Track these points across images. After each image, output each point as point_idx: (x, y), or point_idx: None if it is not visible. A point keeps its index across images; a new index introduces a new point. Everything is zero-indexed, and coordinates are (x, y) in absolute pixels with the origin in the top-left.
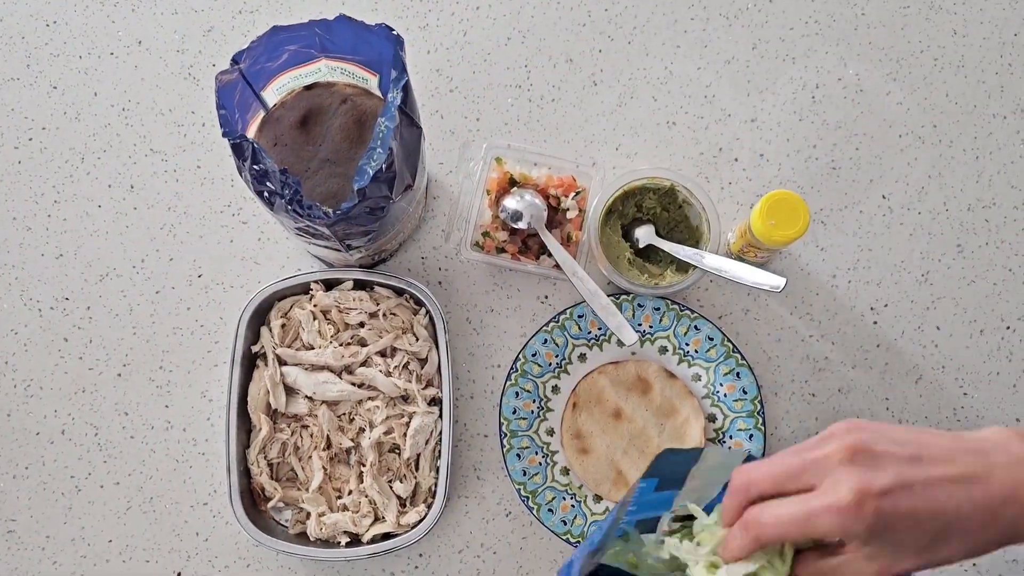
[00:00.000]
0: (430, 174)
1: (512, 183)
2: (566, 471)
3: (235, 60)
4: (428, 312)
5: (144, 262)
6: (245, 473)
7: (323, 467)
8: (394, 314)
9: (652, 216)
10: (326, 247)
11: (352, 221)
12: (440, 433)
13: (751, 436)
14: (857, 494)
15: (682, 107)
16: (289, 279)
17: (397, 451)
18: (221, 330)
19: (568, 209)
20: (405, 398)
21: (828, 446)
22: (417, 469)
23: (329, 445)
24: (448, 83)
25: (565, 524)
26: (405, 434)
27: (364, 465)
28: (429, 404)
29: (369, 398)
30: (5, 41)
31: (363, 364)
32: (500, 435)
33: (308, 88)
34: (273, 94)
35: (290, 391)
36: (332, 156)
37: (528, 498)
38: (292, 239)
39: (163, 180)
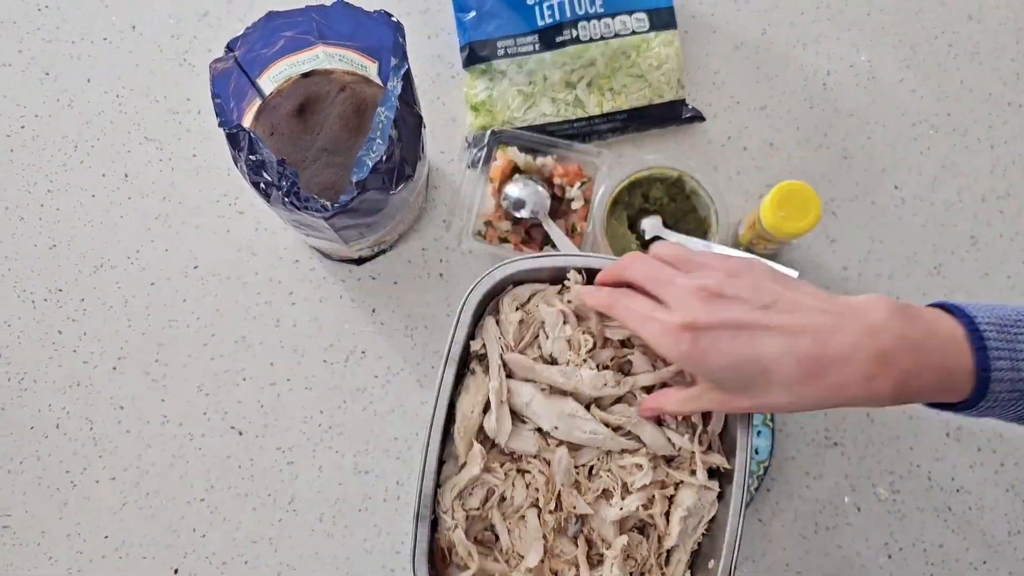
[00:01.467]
0: (431, 163)
1: (516, 171)
2: None
3: (230, 47)
4: None
5: (139, 253)
6: (431, 524)
7: (544, 536)
8: None
9: (659, 207)
10: (325, 238)
11: (351, 214)
12: (712, 519)
13: (759, 432)
14: (683, 323)
15: (690, 94)
16: (539, 257)
17: (646, 533)
18: (218, 322)
19: (573, 199)
20: (669, 460)
21: (698, 278)
22: (667, 564)
23: (558, 507)
24: (449, 69)
25: None
26: (667, 512)
27: (597, 544)
28: (709, 476)
29: (624, 450)
30: None
31: (620, 400)
32: None
33: (305, 76)
34: (269, 82)
35: (515, 417)
36: (330, 146)
37: None
38: (290, 230)
39: (158, 169)
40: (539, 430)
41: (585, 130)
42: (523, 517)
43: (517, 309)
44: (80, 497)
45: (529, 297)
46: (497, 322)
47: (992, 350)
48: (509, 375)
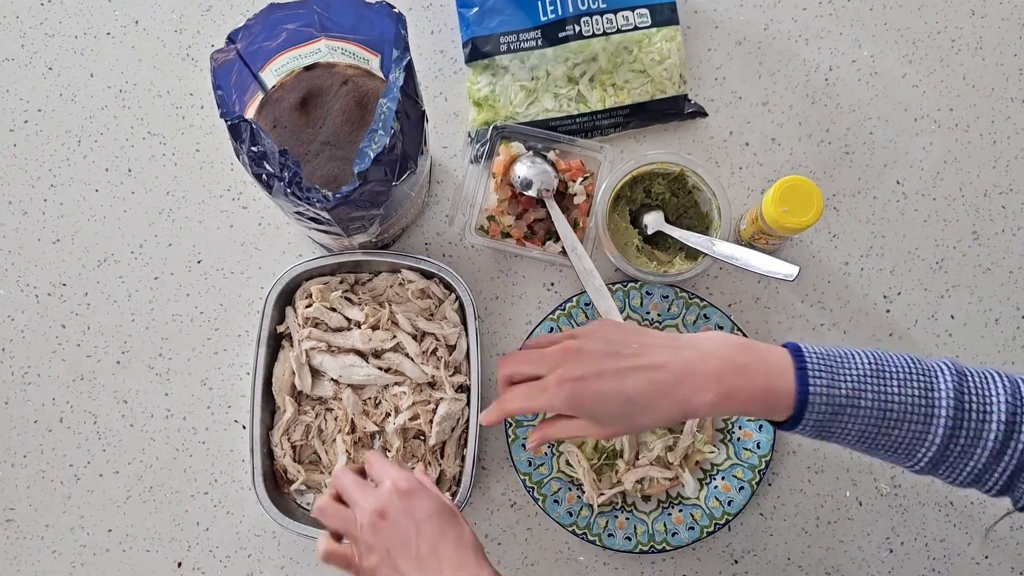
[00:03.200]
0: (433, 158)
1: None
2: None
3: (231, 39)
4: (458, 298)
5: (142, 247)
6: (268, 455)
7: (347, 451)
8: (427, 297)
9: (661, 202)
10: (326, 231)
11: (353, 205)
12: (467, 421)
13: (760, 427)
14: (558, 380)
15: (692, 89)
16: (317, 260)
17: (422, 438)
18: (221, 317)
19: (576, 194)
20: (432, 384)
21: (556, 347)
22: (443, 457)
23: (353, 429)
24: (452, 65)
25: (571, 515)
26: (431, 421)
27: (389, 450)
28: (456, 391)
29: (396, 383)
30: None
31: (392, 349)
32: (505, 425)
33: (308, 69)
34: (272, 75)
35: (315, 373)
36: (332, 139)
37: (533, 489)
38: (293, 224)
39: (161, 164)
40: (334, 380)
41: (587, 125)
42: (334, 441)
43: (306, 298)
44: (84, 491)
45: (318, 287)
46: (295, 309)
47: (812, 374)
48: (312, 347)
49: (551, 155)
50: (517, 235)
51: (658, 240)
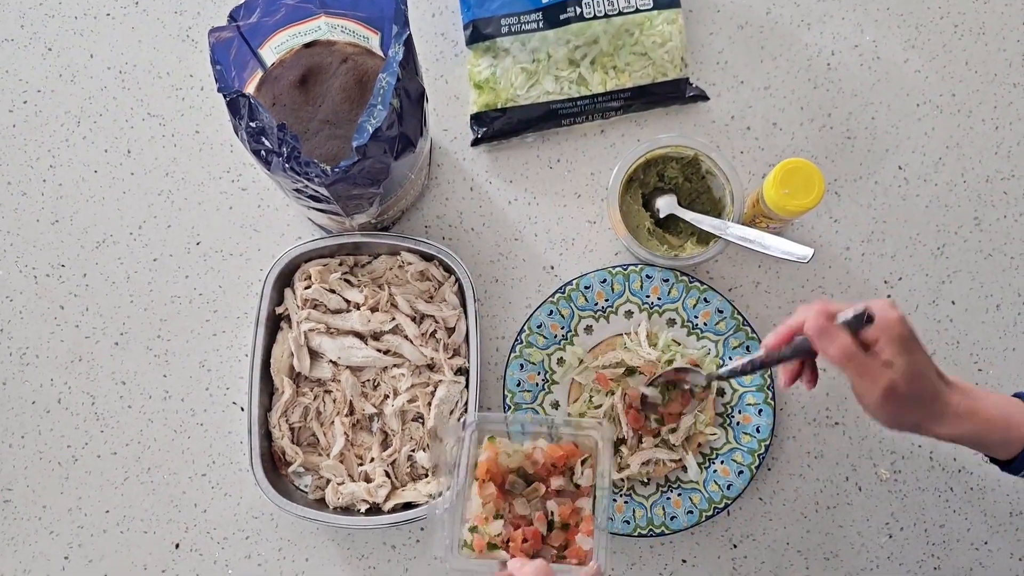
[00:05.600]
0: (434, 140)
1: (507, 468)
2: None
3: (232, 16)
4: (457, 280)
5: (141, 229)
6: (266, 436)
7: (345, 433)
8: (427, 279)
9: (674, 186)
10: (326, 211)
11: (351, 181)
12: (465, 404)
13: (760, 411)
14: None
15: (694, 73)
16: (316, 241)
17: (421, 420)
18: (220, 298)
19: (582, 477)
20: (431, 367)
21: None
22: (440, 440)
23: (352, 411)
24: (453, 47)
25: None
26: (430, 403)
27: (387, 433)
28: (455, 374)
29: (395, 365)
30: None
31: (391, 331)
32: (504, 408)
33: (307, 46)
34: (271, 52)
35: (314, 355)
36: (332, 117)
37: None
38: (292, 206)
39: (161, 145)
40: (332, 361)
41: (588, 108)
42: (332, 423)
43: (305, 279)
44: (82, 472)
45: (317, 269)
46: (293, 291)
47: None
48: (311, 329)
49: (540, 443)
50: (516, 540)
51: (669, 224)
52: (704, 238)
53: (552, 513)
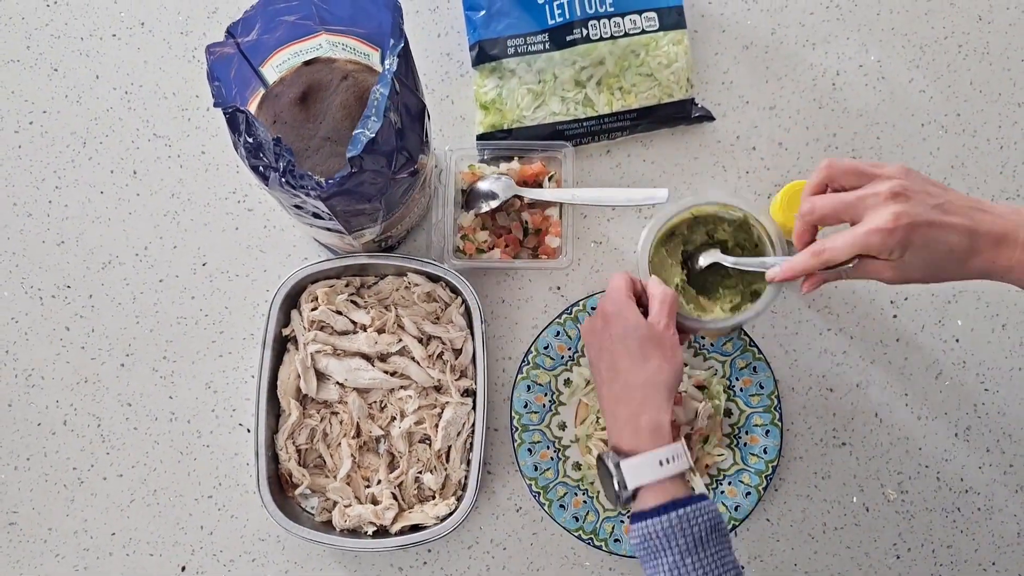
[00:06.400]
0: (439, 159)
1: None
2: (578, 466)
3: (230, 32)
4: (464, 301)
5: (147, 250)
6: (273, 459)
7: (352, 455)
8: (433, 300)
9: (723, 249)
10: (329, 229)
11: (349, 195)
12: (472, 425)
13: (767, 432)
14: (895, 218)
15: (699, 94)
16: (323, 262)
17: (428, 442)
18: (226, 319)
19: (543, 187)
20: (438, 388)
21: (878, 187)
22: (448, 461)
23: (359, 433)
24: (459, 67)
25: (577, 520)
26: (437, 425)
27: (394, 454)
28: (462, 395)
29: (402, 387)
30: (4, 22)
31: (398, 353)
32: (511, 429)
33: (308, 64)
34: (273, 71)
35: (321, 376)
36: (333, 135)
37: (539, 494)
38: (298, 227)
39: (166, 166)
40: (339, 383)
41: (594, 129)
42: (339, 445)
43: (311, 301)
44: (87, 494)
45: (323, 290)
46: (300, 312)
47: None
48: (317, 351)
49: (512, 164)
50: (499, 244)
51: (706, 285)
52: (736, 307)
53: (526, 221)
